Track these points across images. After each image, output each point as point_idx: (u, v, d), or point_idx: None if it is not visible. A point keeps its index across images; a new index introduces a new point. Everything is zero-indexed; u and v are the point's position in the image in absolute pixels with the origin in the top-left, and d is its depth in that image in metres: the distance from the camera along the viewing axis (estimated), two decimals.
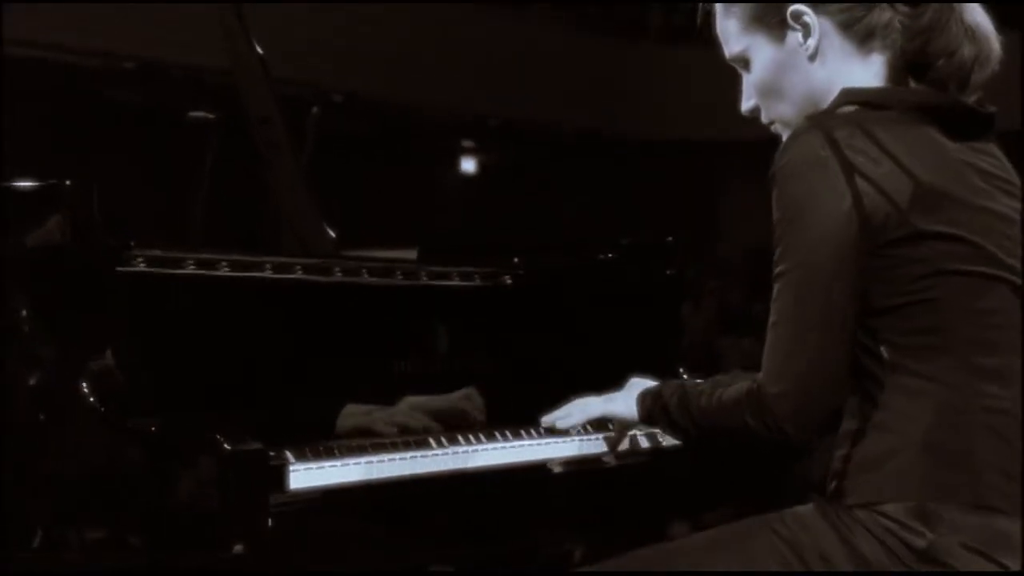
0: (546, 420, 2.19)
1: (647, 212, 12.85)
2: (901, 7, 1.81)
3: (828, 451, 1.82)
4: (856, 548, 1.70)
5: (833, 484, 1.78)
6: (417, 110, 12.67)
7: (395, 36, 11.73)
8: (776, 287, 1.74)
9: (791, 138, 1.75)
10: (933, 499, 1.69)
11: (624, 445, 2.32)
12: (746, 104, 1.94)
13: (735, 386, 1.81)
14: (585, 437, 2.34)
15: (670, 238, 2.91)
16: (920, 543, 1.68)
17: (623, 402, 2.07)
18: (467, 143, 14.77)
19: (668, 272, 2.89)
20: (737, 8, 1.88)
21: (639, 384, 2.06)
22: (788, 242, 1.72)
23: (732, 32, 1.90)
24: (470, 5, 13.23)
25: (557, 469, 2.33)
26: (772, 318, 1.75)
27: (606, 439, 2.33)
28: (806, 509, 1.79)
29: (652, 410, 1.98)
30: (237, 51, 2.69)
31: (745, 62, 1.91)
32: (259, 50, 2.71)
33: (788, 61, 1.86)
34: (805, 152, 1.71)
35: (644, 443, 2.36)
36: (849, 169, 1.69)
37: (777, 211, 1.74)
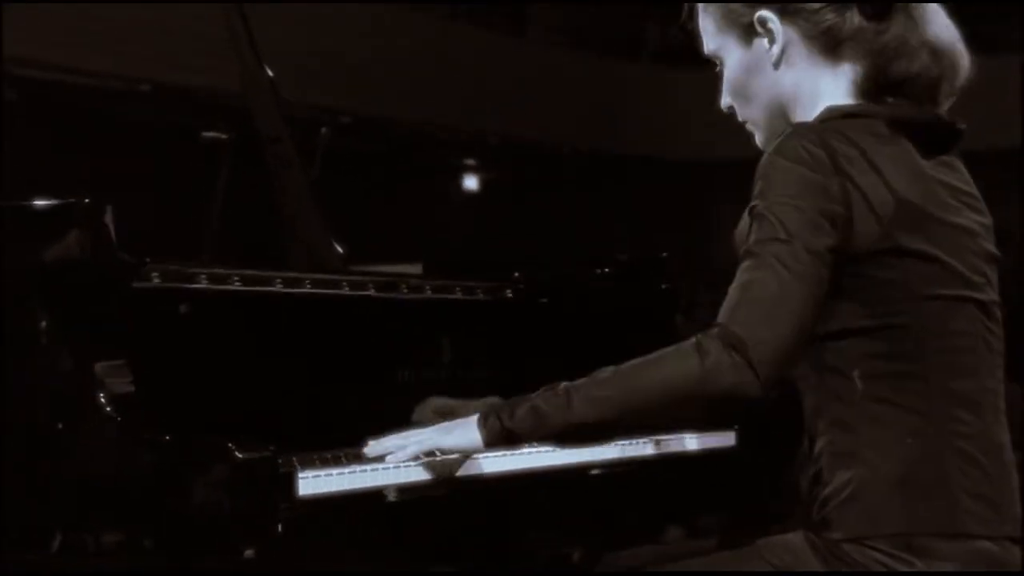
0: (372, 450, 1.99)
1: (643, 227, 12.87)
2: (866, 22, 1.79)
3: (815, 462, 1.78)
4: None
5: (817, 514, 1.74)
6: (420, 130, 12.69)
7: (399, 58, 11.75)
8: (766, 248, 1.65)
9: (787, 136, 1.71)
10: (916, 531, 1.67)
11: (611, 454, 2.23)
12: (724, 101, 1.91)
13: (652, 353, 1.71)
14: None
15: (665, 253, 2.92)
16: (909, 572, 1.66)
17: (460, 433, 1.88)
18: (469, 161, 14.78)
19: (663, 286, 2.90)
20: (713, 8, 1.87)
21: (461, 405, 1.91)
22: (784, 218, 1.65)
23: (709, 31, 1.89)
24: (470, 27, 13.27)
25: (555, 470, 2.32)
26: (758, 274, 1.64)
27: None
28: (796, 539, 1.75)
29: (513, 427, 1.79)
30: (241, 52, 2.70)
31: (720, 61, 1.89)
32: (269, 72, 2.72)
33: (755, 65, 1.84)
34: (801, 148, 1.68)
35: (649, 450, 2.37)
36: (842, 173, 1.67)
37: (768, 193, 1.67)
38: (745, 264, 1.67)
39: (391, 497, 2.02)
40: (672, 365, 1.68)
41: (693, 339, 1.66)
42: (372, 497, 2.05)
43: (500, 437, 1.83)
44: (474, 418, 1.85)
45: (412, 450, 1.95)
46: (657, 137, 13.89)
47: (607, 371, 1.75)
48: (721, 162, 8.89)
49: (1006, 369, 1.81)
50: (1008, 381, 1.82)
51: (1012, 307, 1.84)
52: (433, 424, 1.97)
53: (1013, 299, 1.86)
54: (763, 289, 1.64)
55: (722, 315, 1.66)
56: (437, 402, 2.24)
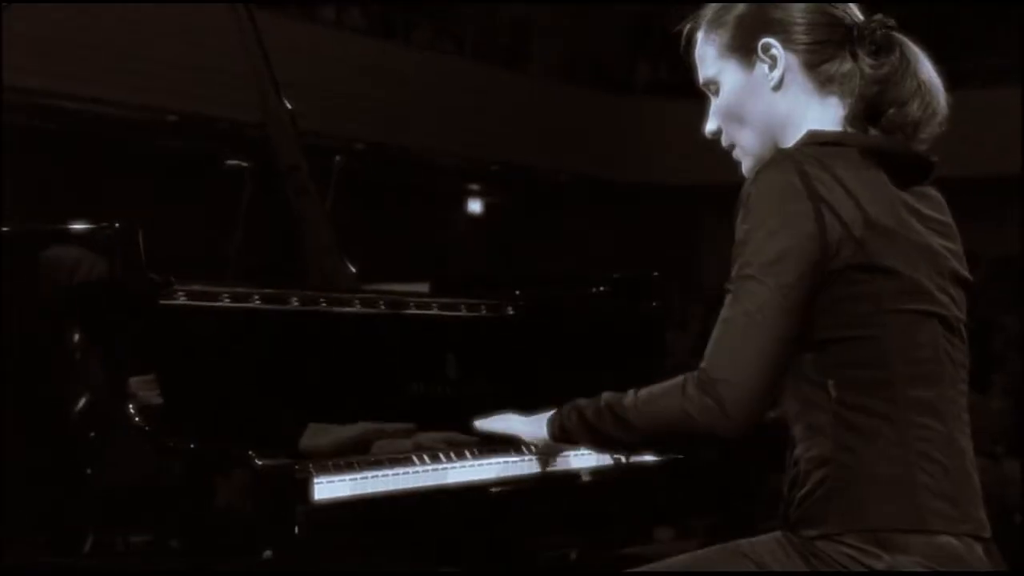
0: (480, 424, 2.14)
1: (635, 248, 12.87)
2: (864, 57, 1.79)
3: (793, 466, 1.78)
4: (819, 572, 1.69)
5: (794, 512, 1.74)
6: (428, 157, 12.71)
7: (409, 90, 11.78)
8: (740, 286, 1.67)
9: (766, 165, 1.72)
10: (883, 527, 1.67)
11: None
12: (710, 126, 1.90)
13: (666, 381, 1.74)
14: (581, 452, 2.33)
15: (656, 272, 2.91)
16: (879, 565, 1.65)
17: (535, 424, 1.99)
18: (473, 186, 14.80)
19: (654, 303, 2.89)
20: (715, 35, 1.86)
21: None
22: (758, 250, 1.66)
23: (709, 57, 1.87)
24: (475, 62, 13.30)
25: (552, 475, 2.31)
26: (730, 313, 1.67)
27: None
28: (775, 537, 1.76)
29: (566, 425, 1.88)
30: (248, 48, 2.69)
31: (716, 86, 1.87)
32: (288, 105, 2.72)
33: (754, 88, 1.82)
34: (779, 178, 1.69)
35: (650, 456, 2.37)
36: (816, 197, 1.67)
37: (747, 223, 1.69)
38: (726, 300, 1.69)
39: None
40: (666, 403, 1.73)
41: (683, 378, 1.70)
42: (382, 500, 2.04)
43: (560, 433, 1.91)
44: (548, 415, 1.94)
45: (503, 428, 2.08)
46: (647, 163, 13.90)
47: (631, 395, 1.79)
48: (705, 186, 8.90)
49: (971, 382, 1.81)
50: (974, 392, 1.82)
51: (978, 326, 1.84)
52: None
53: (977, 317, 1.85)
54: (734, 330, 1.67)
55: (705, 356, 1.69)
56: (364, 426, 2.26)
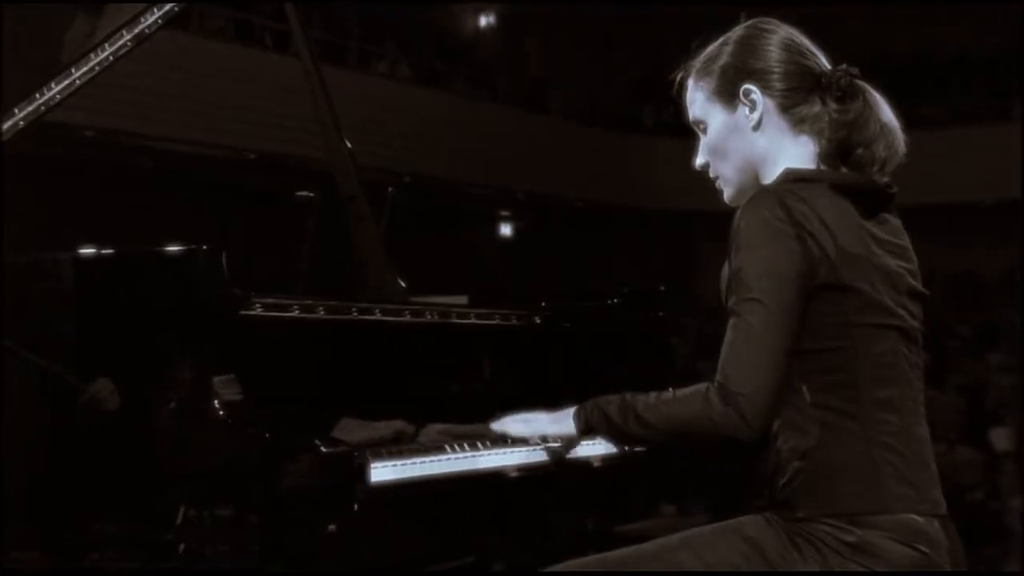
0: (496, 426, 1.98)
1: (642, 265, 12.84)
2: (831, 103, 1.78)
3: (775, 456, 1.77)
4: (801, 549, 1.69)
5: (777, 497, 1.74)
6: (465, 188, 12.74)
7: (449, 130, 11.82)
8: (746, 308, 1.64)
9: (751, 201, 1.70)
10: (854, 510, 1.67)
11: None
12: (699, 160, 1.88)
13: (685, 388, 1.70)
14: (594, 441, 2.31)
15: (662, 287, 2.89)
16: (851, 538, 1.66)
17: (561, 422, 1.87)
18: (503, 212, 14.81)
19: (661, 314, 2.87)
20: (703, 83, 1.85)
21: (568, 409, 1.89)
22: (756, 276, 1.64)
23: (697, 101, 1.86)
24: (506, 106, 13.32)
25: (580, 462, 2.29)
26: (741, 333, 1.64)
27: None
28: (762, 516, 1.75)
29: (591, 422, 1.80)
30: (315, 97, 2.70)
31: (704, 125, 1.86)
32: (348, 144, 2.73)
33: (736, 128, 1.81)
34: (764, 211, 1.67)
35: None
36: (798, 225, 1.66)
37: (741, 253, 1.67)
38: (730, 323, 1.67)
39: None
40: (692, 409, 1.67)
41: (705, 388, 1.66)
42: (427, 482, 2.03)
43: (585, 428, 1.83)
44: (571, 411, 1.85)
45: (523, 430, 1.93)
46: (652, 192, 13.88)
47: (652, 397, 1.74)
48: (701, 212, 8.86)
49: (929, 380, 1.80)
50: (931, 389, 1.80)
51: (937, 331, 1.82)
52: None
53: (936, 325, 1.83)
54: (747, 347, 1.64)
55: (719, 371, 1.66)
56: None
